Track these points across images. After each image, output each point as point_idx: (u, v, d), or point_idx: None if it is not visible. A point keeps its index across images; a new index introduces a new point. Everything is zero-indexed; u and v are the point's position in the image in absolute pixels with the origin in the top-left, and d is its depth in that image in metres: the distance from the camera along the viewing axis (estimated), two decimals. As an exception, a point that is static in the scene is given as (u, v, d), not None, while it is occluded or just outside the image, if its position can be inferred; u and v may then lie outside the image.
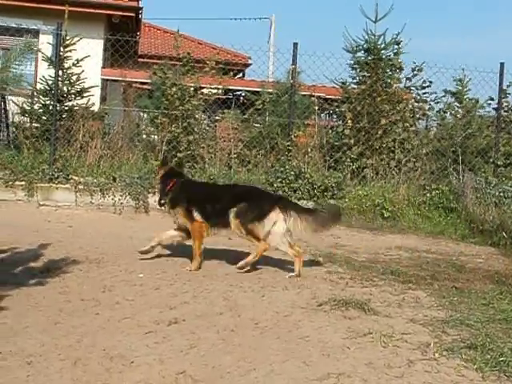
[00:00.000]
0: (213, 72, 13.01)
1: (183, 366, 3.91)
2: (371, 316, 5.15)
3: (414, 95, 13.44)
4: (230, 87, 15.39)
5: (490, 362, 4.11)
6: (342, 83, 13.26)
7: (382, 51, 13.01)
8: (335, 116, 14.74)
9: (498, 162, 12.76)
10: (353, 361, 4.12)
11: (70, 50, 12.03)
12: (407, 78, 13.12)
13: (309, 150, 12.43)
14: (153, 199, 10.40)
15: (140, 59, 20.78)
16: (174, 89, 12.14)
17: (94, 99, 12.85)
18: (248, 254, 6.84)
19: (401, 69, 13.11)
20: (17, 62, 4.78)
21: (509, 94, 13.36)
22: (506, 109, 13.50)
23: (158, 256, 7.19)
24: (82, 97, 12.34)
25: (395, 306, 5.56)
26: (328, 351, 4.27)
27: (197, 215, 6.84)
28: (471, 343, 4.44)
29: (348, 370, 3.94)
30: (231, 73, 15.17)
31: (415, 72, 13.00)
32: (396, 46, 12.97)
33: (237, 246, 8.06)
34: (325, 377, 3.83)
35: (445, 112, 13.74)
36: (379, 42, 13.00)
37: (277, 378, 3.80)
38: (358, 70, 13.20)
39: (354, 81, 13.31)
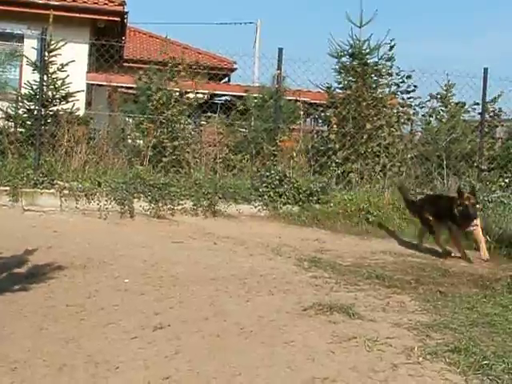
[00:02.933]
0: (197, 76, 13.01)
1: (168, 371, 3.91)
2: (356, 320, 5.16)
3: (398, 100, 13.50)
4: (216, 92, 15.42)
5: (473, 365, 4.14)
6: (328, 88, 13.30)
7: (367, 56, 13.07)
8: (320, 121, 14.80)
9: (482, 167, 12.84)
10: (337, 365, 4.14)
11: (55, 55, 12.00)
12: (395, 84, 13.18)
13: (294, 154, 12.45)
14: (138, 204, 10.41)
15: (125, 64, 20.76)
16: (159, 94, 12.14)
17: (79, 104, 12.81)
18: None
19: (389, 75, 13.17)
20: (1, 68, 4.77)
21: (495, 99, 13.44)
22: (490, 113, 13.59)
23: (144, 262, 7.19)
24: (67, 102, 12.31)
25: (380, 311, 5.58)
26: (313, 356, 4.29)
27: None
28: (455, 347, 4.46)
29: (333, 375, 3.96)
30: (215, 77, 15.13)
31: (404, 80, 13.05)
32: (388, 52, 13.01)
33: (221, 250, 8.11)
34: (310, 381, 3.85)
35: (430, 116, 13.81)
36: (364, 47, 13.06)
37: (262, 383, 3.81)
38: (343, 75, 13.24)
39: (340, 86, 13.36)
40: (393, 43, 12.95)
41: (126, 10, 18.08)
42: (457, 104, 13.70)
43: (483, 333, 4.91)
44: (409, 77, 12.99)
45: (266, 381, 3.84)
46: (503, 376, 3.99)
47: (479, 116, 13.47)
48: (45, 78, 11.82)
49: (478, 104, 13.37)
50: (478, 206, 8.64)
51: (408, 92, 13.22)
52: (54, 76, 12.01)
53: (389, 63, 13.06)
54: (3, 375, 3.73)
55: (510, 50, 66.47)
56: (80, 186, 10.52)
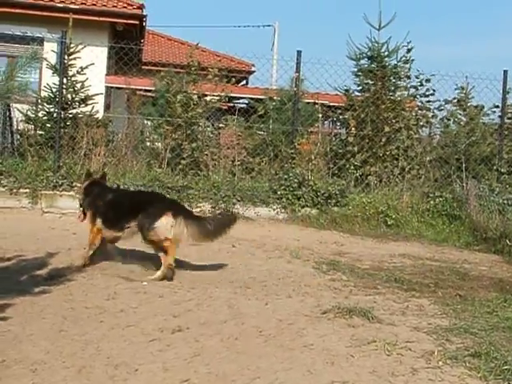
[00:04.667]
0: (216, 79, 13.04)
1: (187, 374, 3.91)
2: (375, 324, 5.14)
3: (417, 103, 13.46)
4: (234, 95, 15.43)
5: (494, 370, 4.11)
6: (346, 91, 13.29)
7: (386, 59, 13.04)
8: (339, 123, 14.78)
9: (502, 170, 12.76)
10: (357, 369, 4.12)
11: (75, 58, 12.08)
12: (413, 87, 13.13)
13: (312, 157, 12.43)
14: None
15: (144, 67, 20.85)
16: (178, 96, 12.18)
17: (97, 107, 12.89)
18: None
19: (408, 77, 13.14)
20: (22, 71, 4.79)
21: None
22: (509, 116, 13.50)
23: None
24: (86, 104, 12.38)
25: (399, 314, 5.56)
26: (332, 359, 4.27)
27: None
28: (475, 351, 4.43)
29: (352, 379, 3.94)
30: (234, 80, 15.07)
31: (423, 82, 13.00)
32: (406, 55, 12.97)
33: (239, 252, 8.11)
34: (329, 385, 3.84)
35: (448, 119, 13.75)
36: (383, 50, 13.03)
37: (281, 387, 3.81)
38: (362, 78, 13.23)
39: (358, 88, 13.34)
40: (410, 46, 12.93)
41: (144, 14, 18.16)
42: (476, 107, 13.62)
43: (504, 337, 4.88)
44: (428, 80, 12.94)
45: (285, 384, 3.84)
46: (524, 381, 3.97)
47: (499, 119, 13.40)
48: (64, 80, 11.91)
49: (497, 107, 13.30)
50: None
51: (427, 95, 13.17)
52: (73, 79, 12.09)
53: (407, 65, 13.03)
54: (23, 376, 3.75)
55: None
56: (99, 188, 10.55)
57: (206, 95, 12.91)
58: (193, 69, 12.59)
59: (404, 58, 13.03)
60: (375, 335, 4.79)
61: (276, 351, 4.40)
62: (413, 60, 13.01)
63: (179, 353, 4.27)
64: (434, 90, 13.06)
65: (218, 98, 13.09)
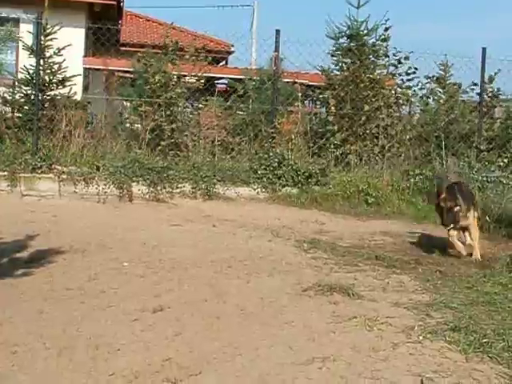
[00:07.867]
0: (193, 59, 12.94)
1: (169, 352, 3.91)
2: (356, 300, 5.17)
3: (397, 81, 13.46)
4: (213, 75, 15.35)
5: (473, 343, 4.15)
6: (325, 70, 13.24)
7: (365, 37, 13.00)
8: (318, 103, 14.75)
9: (481, 147, 12.83)
10: (338, 345, 4.14)
11: (51, 39, 11.94)
12: (393, 65, 13.12)
13: (292, 136, 12.43)
14: (137, 188, 10.40)
15: (122, 47, 20.67)
16: (156, 77, 12.08)
17: (76, 88, 12.77)
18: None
19: (386, 56, 13.12)
20: (-3, 51, 4.73)
21: (493, 79, 13.41)
22: (488, 94, 13.56)
23: (143, 245, 7.19)
24: (64, 86, 12.26)
25: (380, 291, 5.58)
26: (313, 336, 4.29)
27: None
28: (455, 326, 4.47)
29: (333, 354, 3.96)
30: (211, 59, 14.98)
31: (401, 60, 12.99)
32: (384, 33, 12.93)
33: (220, 232, 8.11)
34: (310, 361, 3.85)
35: (428, 97, 13.78)
36: (362, 28, 12.99)
37: (262, 363, 3.81)
38: (341, 57, 13.18)
39: (337, 67, 13.30)
40: (389, 24, 12.88)
41: (122, -6, 18.01)
42: (454, 85, 13.65)
43: (483, 311, 4.92)
44: (407, 58, 12.93)
45: (267, 361, 3.84)
46: (503, 354, 4.00)
47: (478, 96, 13.45)
48: (41, 62, 11.77)
49: (476, 85, 13.35)
50: (459, 207, 7.25)
51: (407, 74, 13.17)
52: (50, 60, 11.96)
53: (385, 44, 12.99)
54: (4, 358, 3.73)
55: (508, 32, 66.21)
56: (78, 170, 10.52)
57: (185, 75, 12.82)
58: (170, 49, 12.47)
59: (382, 36, 13.00)
60: (356, 311, 4.82)
61: (257, 329, 4.41)
62: (389, 37, 12.97)
63: (160, 332, 4.27)
64: (416, 68, 13.07)
65: (196, 78, 12.99)
